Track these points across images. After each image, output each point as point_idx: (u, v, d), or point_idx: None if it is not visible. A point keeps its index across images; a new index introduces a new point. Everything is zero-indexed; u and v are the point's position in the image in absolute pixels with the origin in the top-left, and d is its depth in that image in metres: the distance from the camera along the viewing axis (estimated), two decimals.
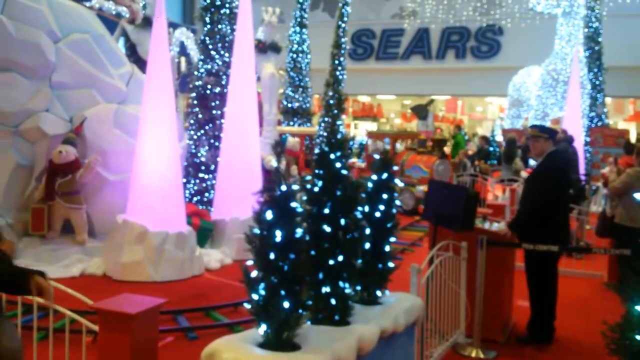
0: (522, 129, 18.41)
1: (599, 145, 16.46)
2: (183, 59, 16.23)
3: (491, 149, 17.43)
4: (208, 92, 10.08)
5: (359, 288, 3.60)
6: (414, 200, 13.11)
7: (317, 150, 3.36)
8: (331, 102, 17.66)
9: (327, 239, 3.20)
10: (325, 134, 16.77)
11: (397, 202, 3.83)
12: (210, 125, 10.03)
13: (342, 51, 17.99)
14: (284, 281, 2.76)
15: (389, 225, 3.74)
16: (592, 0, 18.52)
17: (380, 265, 3.70)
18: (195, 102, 10.20)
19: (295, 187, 2.84)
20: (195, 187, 9.91)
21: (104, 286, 6.93)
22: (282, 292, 2.76)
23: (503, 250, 5.61)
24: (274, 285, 2.76)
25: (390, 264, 3.75)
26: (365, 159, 16.18)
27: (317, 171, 3.28)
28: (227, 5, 10.20)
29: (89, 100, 8.31)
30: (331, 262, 3.19)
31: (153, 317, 3.58)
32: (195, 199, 9.81)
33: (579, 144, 14.51)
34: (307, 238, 3.07)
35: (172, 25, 13.42)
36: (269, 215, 2.78)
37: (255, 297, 2.80)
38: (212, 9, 10.14)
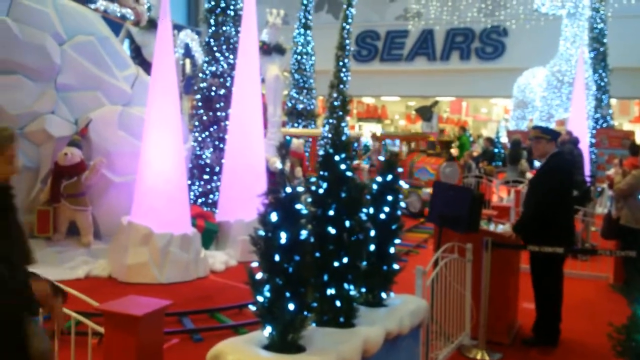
0: (527, 130, 18.36)
1: (604, 147, 16.41)
2: (188, 61, 16.25)
3: (496, 150, 17.39)
4: (213, 94, 10.09)
5: (363, 290, 3.60)
6: (421, 202, 13.08)
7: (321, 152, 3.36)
8: (335, 103, 17.64)
9: (332, 241, 3.20)
10: (330, 135, 16.80)
11: (402, 204, 3.83)
12: (215, 127, 10.04)
13: (347, 53, 17.95)
14: (289, 283, 2.76)
15: (393, 227, 3.74)
16: (597, 2, 18.48)
17: (385, 267, 3.70)
18: (199, 103, 10.22)
19: (300, 189, 2.84)
20: (200, 189, 9.92)
21: (110, 288, 6.95)
22: (287, 294, 2.76)
23: (508, 252, 5.60)
24: (279, 287, 2.76)
25: (395, 266, 3.75)
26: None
27: (321, 173, 3.28)
28: (231, 7, 10.22)
29: (94, 102, 8.34)
30: (336, 264, 3.19)
31: (158, 319, 3.58)
32: (200, 200, 9.82)
33: (584, 145, 14.47)
34: (312, 240, 3.07)
35: (177, 27, 13.44)
36: (273, 217, 2.78)
37: (260, 299, 2.80)
38: (217, 11, 10.16)
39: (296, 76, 19.29)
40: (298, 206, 2.82)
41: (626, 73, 20.66)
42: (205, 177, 9.95)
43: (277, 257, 2.75)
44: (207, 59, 10.34)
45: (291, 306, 2.76)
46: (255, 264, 2.84)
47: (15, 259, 2.48)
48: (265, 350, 2.79)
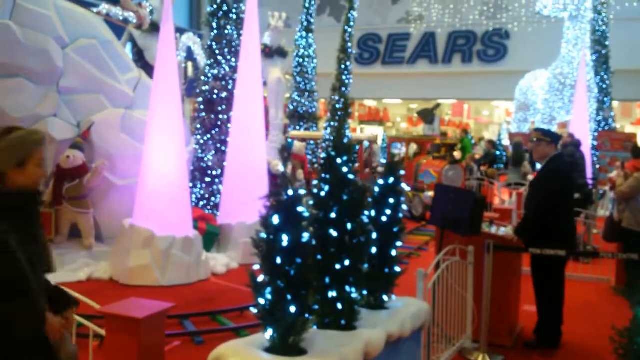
0: (529, 132, 18.35)
1: (606, 149, 16.37)
2: (190, 64, 16.27)
3: (498, 153, 17.39)
4: (215, 96, 10.11)
5: (365, 292, 3.60)
6: (423, 205, 13.07)
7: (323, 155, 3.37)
8: (337, 106, 17.65)
9: (333, 244, 3.20)
10: (331, 138, 16.80)
11: (404, 207, 3.83)
12: (217, 129, 10.06)
13: (349, 56, 17.97)
14: (291, 286, 2.76)
15: (395, 229, 3.73)
16: (599, 4, 18.48)
17: (386, 270, 3.69)
18: (202, 106, 10.23)
19: (301, 191, 2.85)
20: (202, 192, 9.93)
21: (111, 290, 6.96)
22: (289, 297, 2.76)
23: (510, 254, 5.59)
24: (281, 289, 2.76)
25: (397, 269, 3.75)
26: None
27: (323, 175, 3.29)
28: (234, 11, 10.24)
29: (97, 105, 8.35)
30: (338, 266, 3.19)
31: (160, 321, 3.59)
32: (201, 203, 9.83)
33: (586, 147, 14.46)
34: (314, 242, 3.08)
35: (179, 31, 13.46)
36: (275, 219, 2.78)
37: (261, 301, 2.80)
38: (219, 14, 10.18)
39: (298, 79, 19.29)
40: (300, 209, 2.81)
41: (628, 75, 20.63)
42: (207, 179, 9.96)
43: (278, 260, 2.75)
44: (209, 62, 10.36)
45: (293, 309, 2.75)
46: (256, 267, 2.84)
47: (37, 269, 2.48)
48: (267, 353, 2.79)
